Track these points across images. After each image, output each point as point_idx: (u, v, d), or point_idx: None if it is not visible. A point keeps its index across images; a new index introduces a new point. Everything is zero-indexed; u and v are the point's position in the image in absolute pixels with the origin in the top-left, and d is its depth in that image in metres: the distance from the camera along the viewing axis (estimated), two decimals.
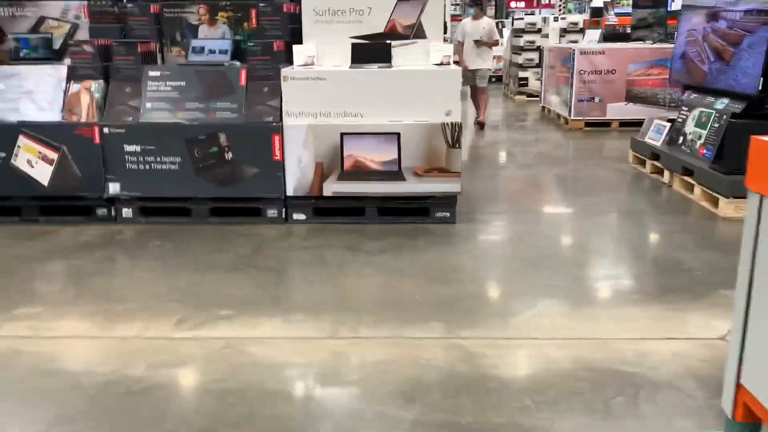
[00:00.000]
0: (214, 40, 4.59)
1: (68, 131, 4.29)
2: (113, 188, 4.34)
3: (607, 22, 11.81)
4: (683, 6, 5.72)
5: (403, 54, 4.46)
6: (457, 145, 4.24)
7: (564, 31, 11.49)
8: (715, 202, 4.56)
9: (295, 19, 4.80)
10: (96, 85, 4.35)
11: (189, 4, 4.64)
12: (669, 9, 8.47)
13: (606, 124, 8.33)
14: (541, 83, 10.10)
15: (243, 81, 4.31)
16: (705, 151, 4.91)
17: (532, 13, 18.82)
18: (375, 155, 4.25)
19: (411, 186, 4.28)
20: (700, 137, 5.04)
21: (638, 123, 8.35)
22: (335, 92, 4.21)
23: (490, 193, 5.28)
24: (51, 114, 4.33)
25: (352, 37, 4.49)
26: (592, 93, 8.18)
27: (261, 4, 4.56)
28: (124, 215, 4.42)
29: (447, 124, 4.21)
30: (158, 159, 4.31)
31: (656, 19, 8.37)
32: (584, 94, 8.19)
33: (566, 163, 6.45)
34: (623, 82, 8.13)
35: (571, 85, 8.22)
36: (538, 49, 11.54)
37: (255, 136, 4.26)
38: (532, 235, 4.20)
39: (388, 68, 4.27)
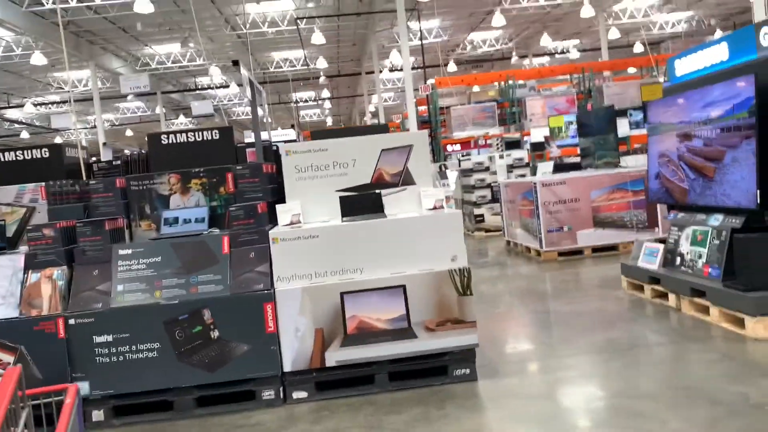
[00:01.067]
0: (188, 209, 4.24)
1: (27, 327, 3.72)
2: (81, 388, 3.71)
3: (551, 155, 12.24)
4: (648, 129, 5.83)
5: (394, 202, 4.21)
6: (468, 292, 3.89)
7: (511, 167, 11.80)
8: (737, 323, 4.30)
9: (275, 179, 4.55)
10: (58, 272, 3.85)
11: (158, 176, 4.33)
12: (617, 135, 8.78)
13: (578, 252, 8.24)
14: (503, 218, 10.11)
15: (226, 249, 3.92)
16: (710, 269, 4.73)
17: (469, 154, 19.57)
18: (381, 313, 3.84)
19: (424, 343, 3.85)
20: (700, 256, 4.89)
21: (610, 248, 8.41)
22: (330, 249, 3.87)
23: (498, 339, 4.88)
24: (5, 310, 3.78)
25: (338, 191, 4.24)
26: (561, 222, 8.16)
27: (238, 168, 4.30)
28: (94, 419, 3.76)
29: (455, 270, 3.88)
30: (133, 348, 3.76)
31: (607, 145, 8.62)
32: (553, 224, 8.16)
33: (558, 297, 6.18)
34: (588, 209, 8.17)
35: (538, 217, 8.19)
36: (489, 186, 11.74)
37: (244, 308, 3.80)
38: (569, 386, 3.77)
39: (384, 218, 3.99)
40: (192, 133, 4.75)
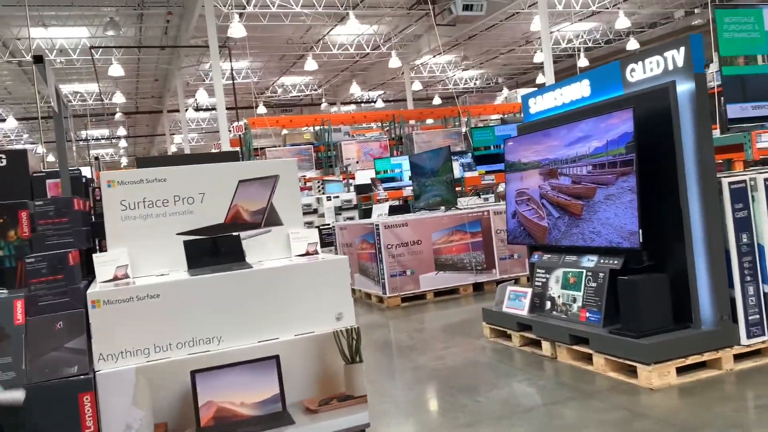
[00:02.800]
0: None
1: None
2: None
3: (378, 197, 11.97)
4: (506, 166, 5.59)
5: (256, 248, 3.35)
6: (357, 359, 3.12)
7: (339, 209, 11.29)
8: (627, 371, 4.04)
9: (88, 219, 3.45)
10: None
11: None
12: (454, 176, 8.65)
13: (421, 296, 7.85)
14: None
15: (20, 318, 2.75)
16: (588, 314, 4.48)
17: None
18: (246, 395, 2.92)
19: (303, 430, 2.98)
20: (574, 300, 4.63)
21: (451, 291, 8.15)
22: (176, 313, 2.88)
23: (387, 411, 4.12)
24: None
25: (181, 233, 3.27)
26: (404, 266, 7.72)
27: (36, 203, 3.14)
28: None
29: (341, 332, 3.10)
30: None
31: (442, 186, 8.44)
32: (396, 268, 7.69)
33: (415, 349, 5.61)
34: (430, 251, 7.85)
35: (381, 261, 7.68)
36: (318, 228, 11.08)
37: (49, 402, 2.65)
38: None
39: (246, 268, 3.10)
40: None
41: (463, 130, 20.32)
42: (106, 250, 3.27)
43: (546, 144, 5.03)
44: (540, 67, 29.76)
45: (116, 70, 20.58)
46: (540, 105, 5.46)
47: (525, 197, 5.33)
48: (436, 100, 34.29)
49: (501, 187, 11.21)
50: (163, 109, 30.57)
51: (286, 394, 2.96)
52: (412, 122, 25.35)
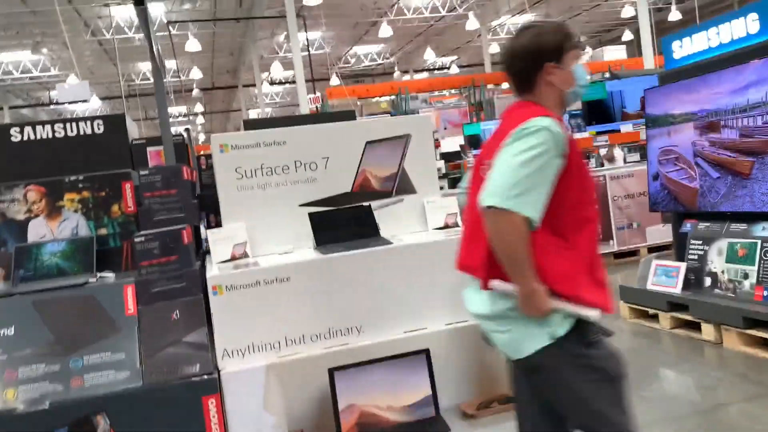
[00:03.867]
0: (60, 241, 2.61)
1: None
2: None
3: (468, 164, 11.31)
4: (648, 121, 4.85)
5: (387, 220, 2.83)
6: None
7: None
8: None
9: (194, 191, 3.02)
10: None
11: (5, 189, 2.66)
12: None
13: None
14: None
15: (131, 308, 2.34)
16: (766, 292, 3.76)
17: None
18: (393, 396, 2.43)
19: None
20: (746, 276, 3.91)
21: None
22: (309, 300, 2.41)
23: None
24: None
25: (305, 204, 2.79)
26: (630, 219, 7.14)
27: (141, 173, 2.72)
28: None
29: None
30: None
31: None
32: (622, 221, 7.12)
33: None
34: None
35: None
36: None
37: (168, 407, 2.25)
38: None
39: (387, 245, 2.58)
40: (63, 125, 3.10)
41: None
42: (214, 226, 2.83)
43: (703, 92, 4.26)
44: (626, 23, 27.99)
45: (193, 45, 20.54)
46: (687, 48, 4.67)
47: (672, 156, 4.59)
48: None
49: (603, 150, 10.30)
50: (239, 84, 30.64)
51: (438, 395, 2.45)
52: (490, 86, 24.38)
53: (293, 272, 2.37)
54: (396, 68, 32.24)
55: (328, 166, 2.81)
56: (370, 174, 2.86)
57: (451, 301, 2.53)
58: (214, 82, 31.73)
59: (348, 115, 3.39)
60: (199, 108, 35.00)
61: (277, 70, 26.26)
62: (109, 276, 2.50)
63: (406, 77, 33.46)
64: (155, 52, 3.10)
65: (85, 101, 30.02)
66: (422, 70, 35.16)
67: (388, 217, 2.83)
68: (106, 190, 2.71)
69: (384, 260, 2.47)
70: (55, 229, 2.66)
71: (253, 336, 2.33)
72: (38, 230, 2.65)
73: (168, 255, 2.41)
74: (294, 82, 32.51)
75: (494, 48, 29.05)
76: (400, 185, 2.89)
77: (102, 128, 3.15)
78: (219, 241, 2.64)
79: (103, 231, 2.70)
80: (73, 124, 3.13)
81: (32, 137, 3.08)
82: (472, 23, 23.00)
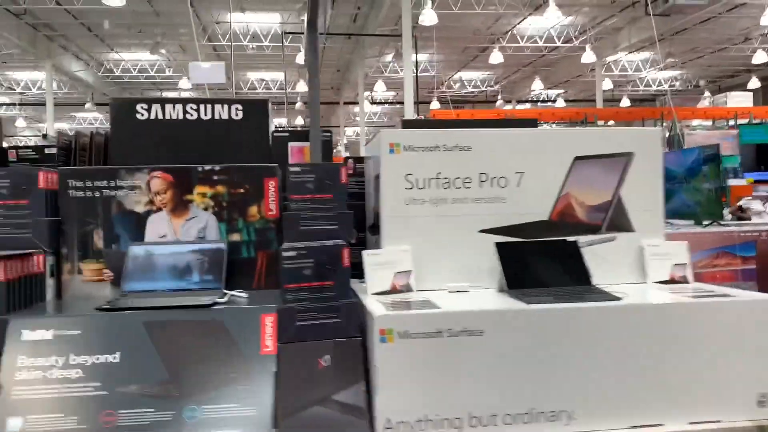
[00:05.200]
0: (185, 244, 2.07)
1: None
2: None
3: None
4: None
5: (591, 263, 2.13)
6: None
7: None
8: None
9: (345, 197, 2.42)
10: None
11: (127, 173, 2.16)
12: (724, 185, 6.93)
13: None
14: None
15: (269, 344, 1.75)
16: None
17: None
18: None
19: None
20: None
21: None
22: (508, 367, 1.74)
23: None
24: None
25: (486, 231, 2.14)
26: None
27: (293, 169, 2.14)
28: None
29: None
30: None
31: (700, 193, 6.76)
32: None
33: None
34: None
35: None
36: None
37: None
38: None
39: (617, 303, 1.87)
40: (196, 106, 2.61)
41: (667, 133, 17.99)
42: (355, 244, 2.22)
43: None
44: (754, 70, 26.11)
45: (303, 57, 20.60)
46: None
47: None
48: (624, 102, 31.44)
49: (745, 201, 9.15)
50: (340, 101, 30.76)
51: None
52: (600, 123, 23.20)
53: (489, 324, 1.71)
54: (499, 96, 31.50)
55: (521, 183, 2.16)
56: (575, 200, 2.18)
57: (699, 388, 1.80)
58: None
59: (528, 123, 2.72)
60: (299, 122, 35.46)
61: (379, 89, 26.10)
62: (242, 297, 1.93)
63: (508, 106, 32.62)
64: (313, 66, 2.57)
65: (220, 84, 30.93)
66: (526, 101, 34.22)
67: (592, 258, 2.12)
68: (245, 186, 2.16)
69: (614, 322, 1.77)
70: (178, 229, 2.13)
71: (427, 406, 1.69)
72: (158, 228, 2.13)
73: (322, 279, 1.81)
74: (393, 102, 32.29)
75: (607, 84, 27.79)
76: (613, 219, 2.19)
77: (241, 114, 2.64)
78: (377, 267, 2.03)
79: (235, 236, 2.15)
80: (208, 106, 2.63)
81: (161, 116, 2.60)
82: (588, 56, 22.02)
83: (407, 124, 2.76)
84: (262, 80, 27.75)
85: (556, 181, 2.19)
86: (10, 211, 2.01)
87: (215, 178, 2.16)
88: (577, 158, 2.19)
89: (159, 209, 2.14)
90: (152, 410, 1.62)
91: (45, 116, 23.33)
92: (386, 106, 33.86)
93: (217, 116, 2.62)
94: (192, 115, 2.61)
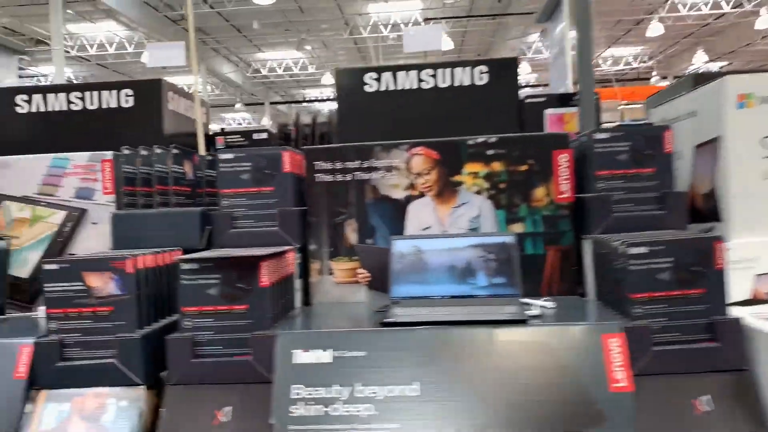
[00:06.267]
0: (462, 236, 1.62)
1: None
2: None
3: None
4: None
5: None
6: None
7: None
8: None
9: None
10: (123, 404, 1.33)
11: (382, 150, 1.75)
12: None
13: None
14: None
15: (621, 377, 1.26)
16: None
17: None
18: None
19: None
20: None
21: None
22: None
23: None
24: None
25: None
26: None
27: (599, 137, 1.62)
28: None
29: None
30: None
31: None
32: None
33: None
34: None
35: None
36: None
37: None
38: None
39: None
40: (432, 72, 2.19)
41: None
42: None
43: None
44: None
45: (445, 42, 20.10)
46: None
47: None
48: None
49: None
50: None
51: None
52: None
53: None
54: (654, 72, 29.16)
55: None
56: None
57: None
58: None
59: None
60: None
61: (522, 72, 25.04)
62: (549, 307, 1.44)
63: (663, 83, 30.14)
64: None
65: (334, 100, 31.41)
66: (682, 77, 31.47)
67: None
68: (529, 161, 1.68)
69: None
70: (445, 218, 1.69)
71: None
72: (422, 217, 1.69)
73: (685, 285, 1.27)
74: (536, 85, 30.97)
75: None
76: None
77: (486, 78, 2.17)
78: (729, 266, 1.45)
79: (516, 227, 1.67)
80: (447, 72, 2.19)
81: (391, 87, 2.20)
82: (763, 21, 19.62)
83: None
84: None
85: None
86: (254, 200, 1.67)
87: (490, 152, 1.69)
88: None
89: (421, 194, 1.70)
90: None
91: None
92: (527, 89, 32.64)
93: (457, 83, 2.17)
94: (427, 82, 2.19)
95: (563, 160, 1.67)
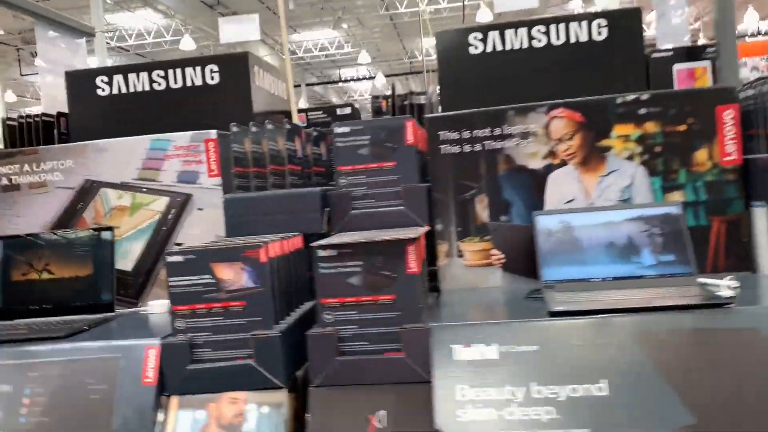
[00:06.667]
0: (620, 211, 1.42)
1: None
2: None
3: None
4: None
5: None
6: None
7: None
8: None
9: None
10: (265, 410, 1.19)
11: (515, 114, 1.55)
12: None
13: None
14: None
15: None
16: None
17: None
18: None
19: None
20: None
21: None
22: None
23: None
24: None
25: None
26: None
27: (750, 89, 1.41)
28: None
29: None
30: None
31: None
32: None
33: None
34: None
35: None
36: None
37: None
38: None
39: None
40: (543, 28, 1.99)
41: None
42: None
43: None
44: None
45: (484, 15, 19.63)
46: None
47: None
48: None
49: None
50: None
51: None
52: None
53: None
54: (701, 35, 28.07)
55: None
56: None
57: None
58: None
59: None
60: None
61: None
62: (734, 286, 1.24)
63: (702, 42, 28.98)
64: None
65: (370, 79, 31.03)
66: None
67: None
68: (687, 121, 1.46)
69: None
70: (592, 189, 1.49)
71: None
72: (564, 189, 1.50)
73: None
74: None
75: None
76: None
77: (605, 33, 1.95)
78: None
79: (675, 195, 1.46)
80: (561, 27, 1.98)
81: (498, 47, 2.00)
82: None
83: None
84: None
85: None
86: (374, 176, 1.49)
87: (642, 112, 1.48)
88: None
89: (563, 163, 1.51)
90: None
91: None
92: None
93: (573, 39, 1.96)
94: (540, 41, 1.98)
95: (729, 117, 1.45)
